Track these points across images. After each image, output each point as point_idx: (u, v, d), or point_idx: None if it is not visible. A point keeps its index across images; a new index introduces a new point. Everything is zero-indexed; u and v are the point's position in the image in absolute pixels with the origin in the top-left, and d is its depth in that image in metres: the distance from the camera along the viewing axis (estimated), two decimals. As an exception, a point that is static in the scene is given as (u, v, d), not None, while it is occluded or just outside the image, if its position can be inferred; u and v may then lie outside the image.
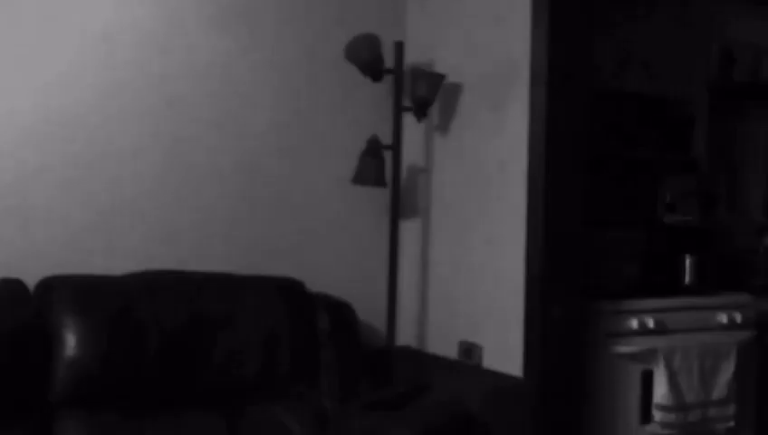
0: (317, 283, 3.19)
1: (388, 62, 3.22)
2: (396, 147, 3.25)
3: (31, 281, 2.72)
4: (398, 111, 3.25)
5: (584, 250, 3.08)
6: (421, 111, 3.26)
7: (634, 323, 3.23)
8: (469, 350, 3.19)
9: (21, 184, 2.86)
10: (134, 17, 3.03)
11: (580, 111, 3.01)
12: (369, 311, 3.34)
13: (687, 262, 3.68)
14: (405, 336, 3.46)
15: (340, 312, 3.14)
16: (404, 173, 3.38)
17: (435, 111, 3.37)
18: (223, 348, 2.84)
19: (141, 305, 2.74)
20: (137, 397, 2.69)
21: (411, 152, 3.44)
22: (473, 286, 3.22)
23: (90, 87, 2.96)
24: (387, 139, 3.26)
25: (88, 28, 2.95)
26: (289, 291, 3.07)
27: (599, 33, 3.36)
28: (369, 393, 2.97)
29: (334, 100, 3.44)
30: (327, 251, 3.44)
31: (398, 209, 3.28)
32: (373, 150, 3.24)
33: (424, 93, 3.23)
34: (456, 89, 3.31)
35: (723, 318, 3.48)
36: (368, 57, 3.15)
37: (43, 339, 2.59)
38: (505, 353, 3.04)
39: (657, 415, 3.23)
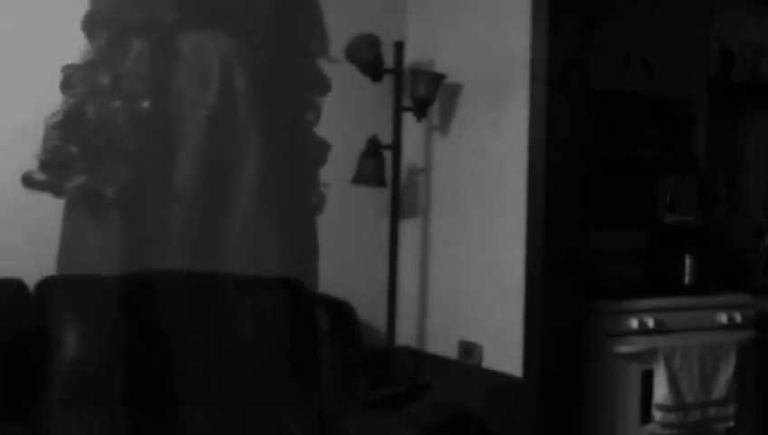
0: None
1: (388, 62, 3.22)
2: (396, 147, 3.25)
3: (31, 281, 2.72)
4: (398, 111, 3.25)
5: (584, 250, 3.08)
6: (421, 110, 3.26)
7: (634, 323, 3.23)
8: (469, 350, 3.19)
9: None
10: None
11: (580, 110, 3.01)
12: (369, 311, 3.34)
13: (687, 262, 3.67)
14: (405, 336, 3.45)
15: (340, 312, 3.14)
16: (404, 173, 3.38)
17: (434, 110, 3.37)
18: (223, 348, 2.83)
19: (141, 305, 2.74)
20: (136, 397, 2.69)
21: (411, 152, 3.44)
22: (473, 286, 3.22)
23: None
24: (387, 139, 3.26)
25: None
26: (289, 291, 3.07)
27: (599, 32, 3.35)
28: (369, 393, 2.97)
29: (334, 100, 3.42)
30: (327, 251, 3.41)
31: (398, 209, 3.27)
32: (373, 150, 3.24)
33: (424, 93, 3.22)
34: (455, 89, 3.30)
35: (723, 318, 3.47)
36: (368, 57, 3.15)
37: (43, 339, 2.59)
38: (505, 353, 3.04)
39: (657, 415, 3.22)
